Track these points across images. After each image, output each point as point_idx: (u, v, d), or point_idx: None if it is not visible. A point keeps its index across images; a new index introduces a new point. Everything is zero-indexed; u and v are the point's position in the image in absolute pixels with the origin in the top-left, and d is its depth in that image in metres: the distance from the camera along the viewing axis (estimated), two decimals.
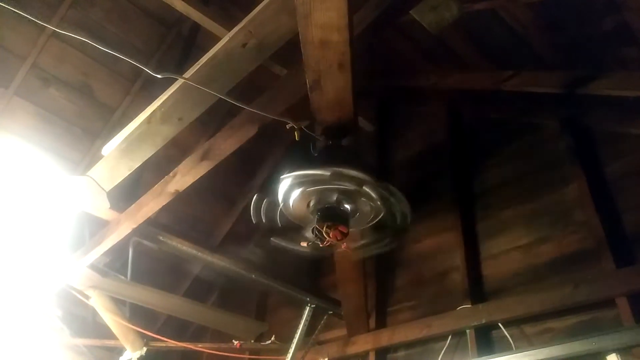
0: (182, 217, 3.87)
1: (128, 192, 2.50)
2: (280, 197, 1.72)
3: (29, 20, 3.02)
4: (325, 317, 3.30)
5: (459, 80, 3.02)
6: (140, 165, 2.15)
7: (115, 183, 2.17)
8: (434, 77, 3.15)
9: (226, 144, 1.99)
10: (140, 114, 1.95)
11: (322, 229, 1.66)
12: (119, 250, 3.31)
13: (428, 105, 3.50)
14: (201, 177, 3.90)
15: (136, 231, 2.42)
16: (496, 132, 3.16)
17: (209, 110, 1.90)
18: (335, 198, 1.66)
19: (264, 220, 1.78)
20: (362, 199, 1.67)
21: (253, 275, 3.00)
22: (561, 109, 2.71)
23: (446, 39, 2.85)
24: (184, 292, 4.07)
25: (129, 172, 2.12)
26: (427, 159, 3.52)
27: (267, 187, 1.78)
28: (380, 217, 1.77)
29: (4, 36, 3.26)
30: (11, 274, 2.36)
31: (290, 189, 1.67)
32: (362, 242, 1.91)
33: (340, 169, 1.59)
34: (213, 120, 3.62)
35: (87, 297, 2.81)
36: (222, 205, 4.13)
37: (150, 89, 3.58)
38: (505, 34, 2.60)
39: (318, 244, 1.70)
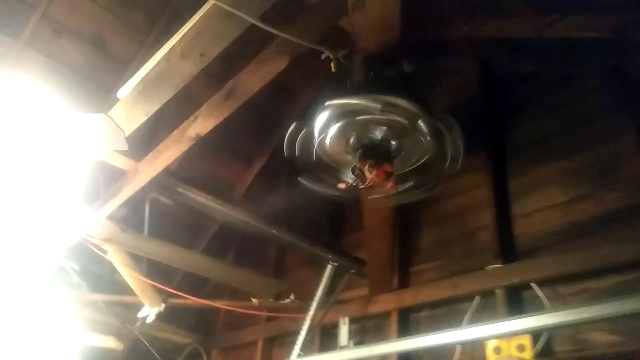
0: (198, 175, 3.70)
1: (146, 142, 2.32)
2: (316, 130, 1.52)
3: None
4: (346, 276, 3.15)
5: (495, 28, 2.76)
6: (159, 112, 1.97)
7: (133, 129, 1.98)
8: (466, 26, 2.89)
9: (253, 80, 1.77)
10: (158, 51, 1.74)
11: (364, 167, 1.46)
12: (135, 205, 3.17)
13: (458, 58, 3.25)
14: (218, 133, 3.78)
15: (155, 181, 2.24)
16: (531, 85, 2.92)
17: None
18: (380, 133, 1.46)
19: (297, 153, 1.59)
20: (411, 135, 1.46)
21: (274, 231, 2.84)
22: (609, 56, 2.46)
23: None
24: (202, 249, 3.94)
25: (147, 117, 1.93)
26: (457, 113, 3.29)
27: (304, 119, 1.58)
28: (427, 157, 1.56)
29: None
30: (23, 223, 2.21)
31: (328, 122, 1.47)
32: (401, 186, 1.71)
33: (394, 99, 1.38)
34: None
35: (105, 252, 2.67)
36: (239, 164, 3.95)
37: (164, 41, 3.36)
38: None
39: (354, 186, 1.52)
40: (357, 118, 1.43)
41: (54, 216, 2.22)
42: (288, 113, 3.85)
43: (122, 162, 2.10)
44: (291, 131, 1.56)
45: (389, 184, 1.51)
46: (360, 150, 1.49)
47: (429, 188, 1.72)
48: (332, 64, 1.45)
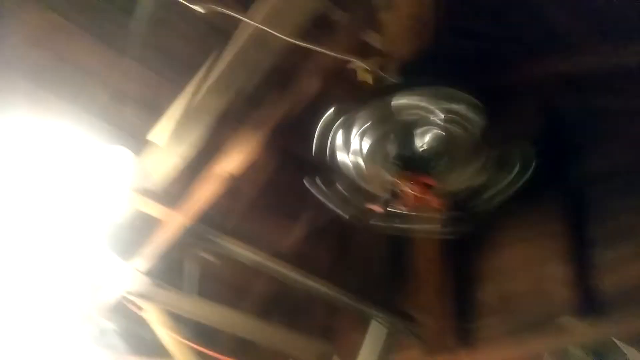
0: (242, 231, 3.56)
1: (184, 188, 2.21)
2: (354, 134, 1.32)
3: None
4: (398, 336, 2.84)
5: (564, 67, 2.52)
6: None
7: (170, 173, 1.88)
8: (531, 68, 2.66)
9: (280, 108, 1.65)
10: (188, 87, 1.68)
11: (400, 181, 1.25)
12: (176, 261, 3.05)
13: (515, 101, 3.03)
14: (263, 189, 3.68)
15: (191, 231, 2.12)
16: (603, 117, 2.63)
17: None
18: (421, 140, 1.25)
19: (328, 153, 1.39)
20: (462, 154, 1.25)
21: (321, 287, 2.62)
22: None
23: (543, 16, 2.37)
24: (247, 309, 3.71)
25: (184, 161, 1.83)
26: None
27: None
28: (482, 167, 1.32)
29: None
30: (55, 277, 2.11)
31: (363, 133, 1.28)
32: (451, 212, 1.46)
33: (460, 107, 1.18)
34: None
35: (140, 310, 2.52)
36: (286, 220, 3.79)
37: None
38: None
39: (392, 208, 1.30)
40: (407, 120, 1.22)
41: (87, 270, 2.11)
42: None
43: (157, 211, 1.99)
44: (327, 117, 1.35)
45: (432, 200, 1.28)
46: (397, 161, 1.28)
47: (490, 200, 1.45)
48: (367, 76, 1.30)
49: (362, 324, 3.19)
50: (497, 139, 1.37)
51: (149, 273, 2.36)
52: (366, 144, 1.30)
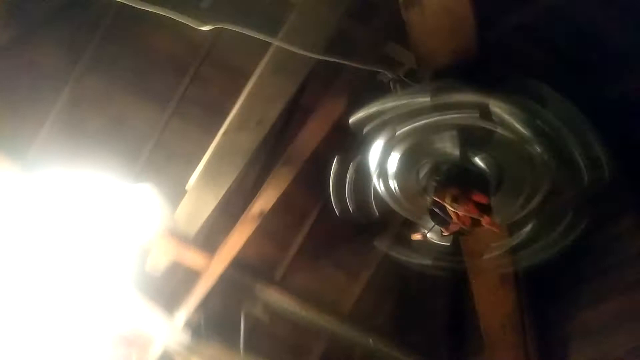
0: (299, 291, 3.38)
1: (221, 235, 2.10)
2: (374, 166, 1.12)
3: None
4: None
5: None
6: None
7: (204, 217, 1.79)
8: None
9: (306, 136, 1.52)
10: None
11: (444, 201, 1.03)
12: (221, 313, 2.90)
13: None
14: (320, 246, 3.50)
15: (233, 281, 1.99)
16: None
17: None
18: (463, 152, 1.02)
19: (352, 206, 1.18)
20: (514, 159, 1.00)
21: (383, 346, 2.35)
22: None
23: None
24: None
25: (217, 202, 1.74)
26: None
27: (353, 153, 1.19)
28: (544, 189, 1.04)
29: None
30: (94, 333, 2.03)
31: (387, 150, 1.08)
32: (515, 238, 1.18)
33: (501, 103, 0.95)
34: None
35: None
36: (343, 277, 3.56)
37: None
38: None
39: (440, 236, 1.06)
40: (420, 143, 1.00)
41: (129, 326, 2.02)
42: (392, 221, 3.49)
43: (193, 259, 1.89)
44: (335, 171, 1.17)
45: (489, 221, 1.02)
46: (436, 179, 1.07)
47: (564, 231, 1.14)
48: (392, 86, 1.13)
49: None
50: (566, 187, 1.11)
51: (194, 326, 2.24)
52: (396, 165, 1.10)
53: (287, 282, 2.90)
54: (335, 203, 1.17)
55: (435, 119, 0.97)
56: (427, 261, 1.19)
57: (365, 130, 1.05)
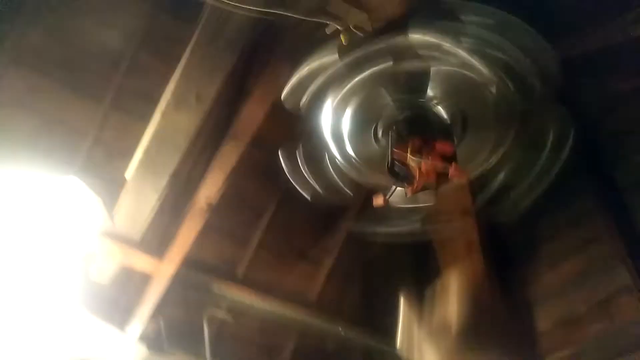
0: (262, 284, 3.21)
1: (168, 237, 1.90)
2: (326, 130, 0.97)
3: None
4: None
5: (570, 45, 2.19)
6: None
7: (147, 214, 1.61)
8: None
9: (252, 111, 1.36)
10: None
11: (405, 155, 0.89)
12: (194, 325, 2.70)
13: None
14: (279, 237, 3.34)
15: (189, 282, 1.80)
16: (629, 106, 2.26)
17: None
18: (419, 99, 0.89)
19: (319, 189, 1.03)
20: (470, 90, 0.88)
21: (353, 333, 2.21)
22: None
23: None
24: None
25: (158, 195, 1.55)
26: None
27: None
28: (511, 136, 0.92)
29: None
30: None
31: (339, 107, 0.93)
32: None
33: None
34: None
35: None
36: (307, 267, 3.42)
37: None
38: None
39: (402, 191, 0.92)
40: (370, 93, 0.87)
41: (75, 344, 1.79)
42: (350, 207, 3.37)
43: (142, 263, 1.69)
44: (286, 158, 1.01)
45: (455, 172, 0.89)
46: (394, 131, 0.93)
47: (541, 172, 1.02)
48: (342, 37, 0.99)
49: None
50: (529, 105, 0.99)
51: (153, 337, 2.03)
52: (349, 120, 0.95)
53: (250, 279, 2.73)
54: (302, 190, 1.01)
55: (381, 67, 0.84)
56: (393, 230, 1.05)
57: (309, 96, 0.91)
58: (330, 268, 3.29)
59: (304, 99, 0.91)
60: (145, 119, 1.51)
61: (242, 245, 2.95)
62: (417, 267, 2.95)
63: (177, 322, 2.54)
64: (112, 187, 1.81)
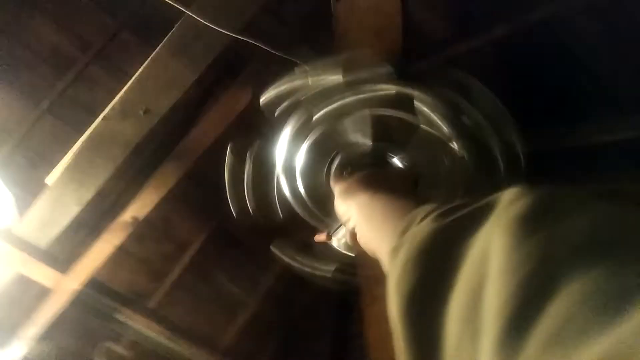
0: (170, 324, 3.00)
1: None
2: (280, 157, 0.93)
3: None
4: None
5: None
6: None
7: (62, 226, 1.46)
8: None
9: (202, 134, 1.30)
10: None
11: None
12: (82, 347, 2.43)
13: None
14: (200, 279, 3.18)
15: (91, 304, 1.63)
16: None
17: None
18: (378, 145, 0.88)
19: (252, 205, 0.97)
20: (431, 148, 0.88)
21: None
22: None
23: None
24: None
25: (80, 208, 1.42)
26: None
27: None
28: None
29: None
30: None
31: (297, 139, 0.90)
32: None
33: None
34: None
35: None
36: (222, 314, 3.25)
37: None
38: None
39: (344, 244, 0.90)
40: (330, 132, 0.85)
41: None
42: (279, 258, 3.28)
43: (42, 275, 1.51)
44: (230, 162, 0.96)
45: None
46: (342, 167, 0.90)
47: None
48: (308, 80, 0.98)
49: None
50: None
51: None
52: (304, 160, 0.93)
53: (160, 314, 2.54)
54: (231, 201, 0.96)
55: (351, 99, 0.84)
56: (327, 271, 1.01)
57: (276, 113, 0.88)
58: (248, 319, 3.15)
59: (279, 110, 0.88)
60: (81, 131, 1.42)
61: (158, 278, 2.77)
62: (337, 330, 2.88)
63: (69, 349, 2.27)
64: (27, 193, 1.66)
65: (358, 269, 1.17)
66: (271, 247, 1.09)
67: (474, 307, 0.34)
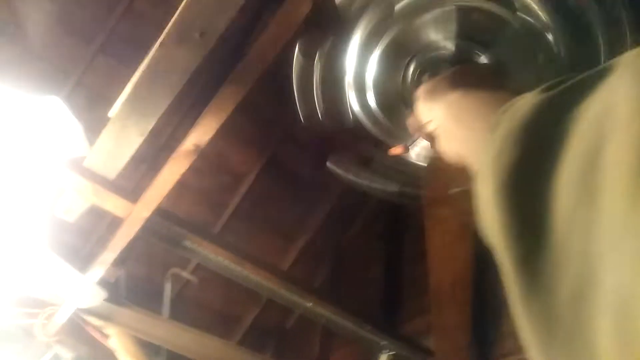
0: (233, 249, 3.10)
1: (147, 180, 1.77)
2: (352, 60, 0.86)
3: None
4: None
5: None
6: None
7: (127, 157, 1.47)
8: None
9: (260, 54, 1.24)
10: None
11: None
12: (146, 275, 2.57)
13: None
14: (257, 207, 3.23)
15: (161, 231, 1.67)
16: None
17: None
18: (461, 44, 0.80)
19: (322, 111, 0.92)
20: (522, 43, 0.79)
21: (316, 307, 2.12)
22: None
23: None
24: (237, 342, 3.18)
25: (143, 138, 1.42)
26: None
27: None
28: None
29: None
30: None
31: (366, 46, 0.83)
32: None
33: None
34: None
35: (106, 337, 2.04)
36: (280, 241, 3.32)
37: None
38: None
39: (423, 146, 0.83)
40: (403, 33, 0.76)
41: (30, 282, 1.65)
42: (332, 187, 3.29)
43: (113, 205, 1.56)
44: (299, 62, 0.89)
45: None
46: (423, 78, 0.83)
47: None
48: None
49: (364, 354, 2.68)
50: None
51: (112, 286, 1.90)
52: (377, 66, 0.84)
53: (224, 240, 2.63)
54: (299, 104, 0.90)
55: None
56: (393, 188, 0.96)
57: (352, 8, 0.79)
58: (304, 245, 3.22)
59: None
60: (134, 67, 1.38)
61: (217, 209, 2.84)
62: (390, 256, 2.89)
63: (139, 275, 2.41)
64: (90, 134, 1.67)
65: (423, 189, 1.11)
66: (327, 163, 1.04)
67: (591, 170, 0.28)
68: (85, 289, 1.73)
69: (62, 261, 1.60)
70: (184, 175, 1.54)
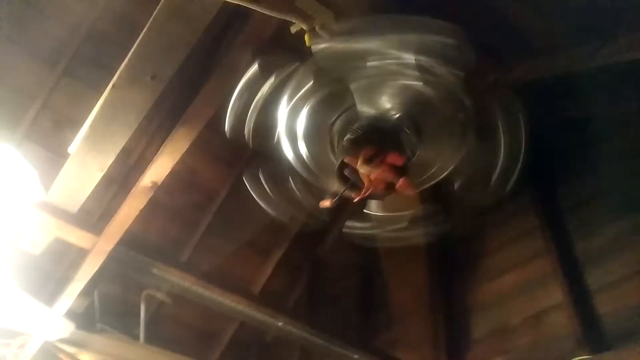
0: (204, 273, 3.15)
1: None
2: (282, 116, 0.93)
3: None
4: None
5: (528, 69, 2.26)
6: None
7: (88, 192, 1.52)
8: (493, 73, 2.41)
9: (211, 94, 1.30)
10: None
11: (356, 163, 0.87)
12: (132, 307, 2.60)
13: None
14: (231, 225, 3.28)
15: (127, 261, 1.72)
16: (577, 130, 2.35)
17: None
18: (383, 109, 0.87)
19: (249, 135, 0.97)
20: (438, 109, 0.86)
21: (292, 328, 2.19)
22: None
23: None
24: (218, 357, 3.22)
25: (102, 173, 1.46)
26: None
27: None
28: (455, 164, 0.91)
29: None
30: None
31: (299, 101, 0.90)
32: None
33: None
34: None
35: None
36: (255, 257, 3.37)
37: None
38: None
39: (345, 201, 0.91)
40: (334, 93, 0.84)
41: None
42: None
43: (76, 237, 1.60)
44: (252, 76, 0.94)
45: (403, 185, 0.88)
46: (348, 137, 0.90)
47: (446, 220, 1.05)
48: (306, 37, 0.95)
49: None
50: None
51: (84, 315, 1.94)
52: (307, 118, 0.91)
53: (193, 264, 2.67)
54: (229, 115, 0.95)
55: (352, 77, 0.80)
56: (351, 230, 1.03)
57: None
58: (278, 260, 3.27)
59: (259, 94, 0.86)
60: (99, 89, 1.42)
61: (190, 227, 2.88)
62: (364, 269, 2.96)
63: (112, 298, 2.43)
64: (55, 157, 1.71)
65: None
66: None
67: None
68: (52, 321, 1.77)
69: (27, 296, 1.63)
70: (156, 193, 1.59)
